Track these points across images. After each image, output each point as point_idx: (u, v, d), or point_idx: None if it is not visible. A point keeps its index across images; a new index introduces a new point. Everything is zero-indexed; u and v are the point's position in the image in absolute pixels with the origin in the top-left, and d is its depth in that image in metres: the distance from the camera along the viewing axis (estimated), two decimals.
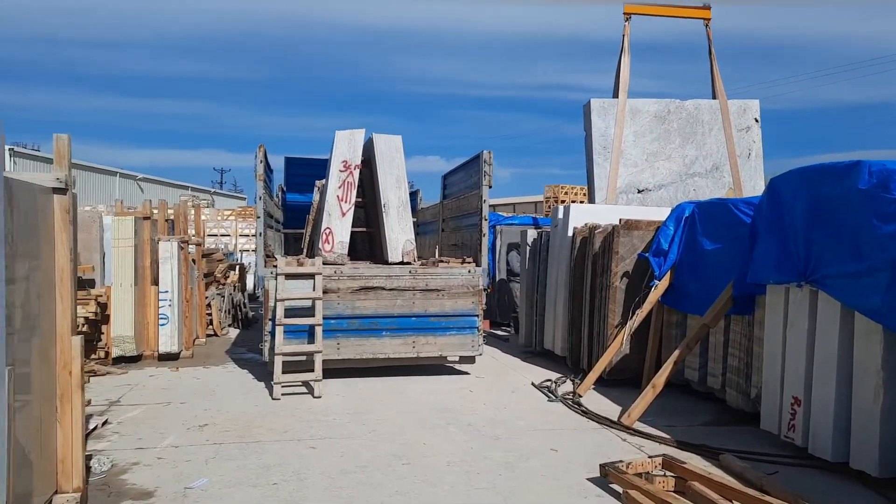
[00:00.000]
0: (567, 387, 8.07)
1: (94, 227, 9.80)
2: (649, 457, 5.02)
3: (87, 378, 8.29)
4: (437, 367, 8.85)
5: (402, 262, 9.24)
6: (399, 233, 9.35)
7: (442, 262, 8.71)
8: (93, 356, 9.54)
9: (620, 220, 8.32)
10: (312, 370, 7.67)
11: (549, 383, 8.13)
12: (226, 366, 9.46)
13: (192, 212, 11.54)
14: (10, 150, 36.81)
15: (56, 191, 4.23)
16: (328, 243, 9.13)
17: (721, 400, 6.98)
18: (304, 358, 7.90)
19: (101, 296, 9.40)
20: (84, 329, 9.07)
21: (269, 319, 7.98)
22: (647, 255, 7.86)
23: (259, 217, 8.15)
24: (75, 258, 4.78)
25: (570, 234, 9.19)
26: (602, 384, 7.91)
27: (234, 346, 11.23)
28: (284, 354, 7.66)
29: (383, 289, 8.29)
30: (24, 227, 3.83)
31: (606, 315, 8.13)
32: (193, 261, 11.44)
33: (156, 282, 9.92)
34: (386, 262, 9.34)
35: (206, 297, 12.43)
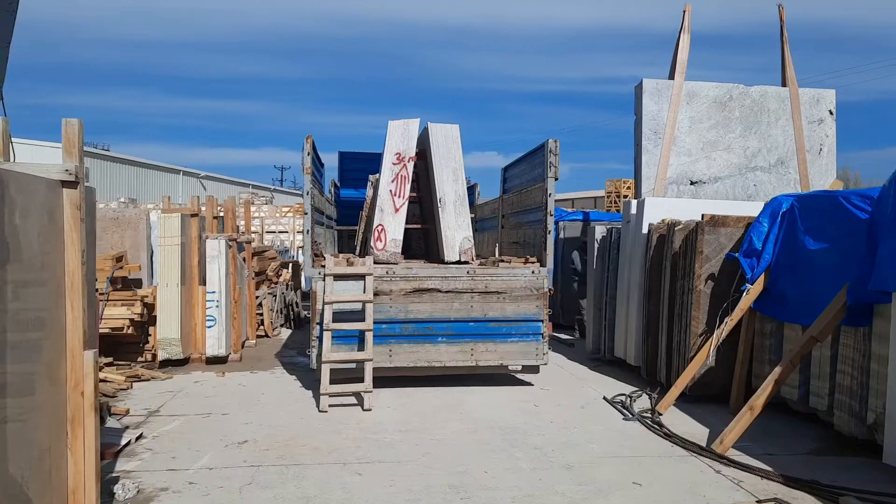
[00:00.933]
0: (643, 402, 7.23)
1: (140, 225, 9.45)
2: (758, 501, 4.19)
3: (130, 384, 7.92)
4: (497, 376, 8.12)
5: (459, 262, 8.56)
6: (456, 230, 8.66)
7: (502, 261, 7.98)
8: (139, 359, 9.22)
9: (703, 215, 7.43)
10: (362, 379, 7.07)
11: (622, 398, 7.31)
12: (273, 371, 8.97)
13: (243, 208, 11.15)
14: None
15: (65, 184, 3.70)
16: (380, 241, 8.51)
17: (827, 423, 6.04)
18: (354, 365, 7.31)
19: (147, 296, 9.04)
20: (129, 331, 8.74)
21: (317, 323, 7.42)
22: (736, 255, 6.95)
23: (307, 213, 7.59)
24: (92, 260, 4.26)
25: (644, 230, 8.32)
26: (684, 400, 7.04)
27: (285, 349, 10.77)
28: (332, 362, 7.07)
29: (439, 291, 7.62)
30: (23, 225, 3.30)
31: (689, 322, 7.25)
32: (243, 259, 11.03)
33: (203, 282, 9.52)
34: (442, 262, 8.68)
35: (258, 297, 12.03)
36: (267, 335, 11.95)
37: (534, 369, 7.96)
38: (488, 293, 7.66)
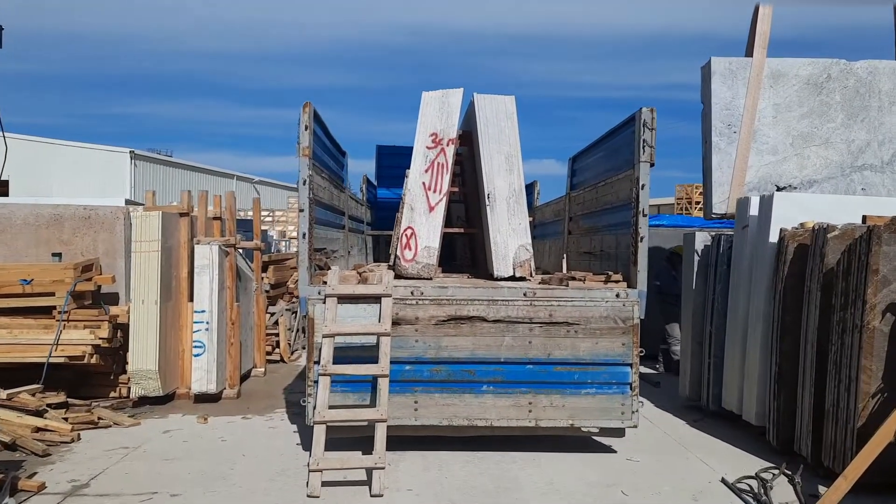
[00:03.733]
0: (784, 492, 4.90)
1: (117, 226, 7.60)
2: None
3: (77, 434, 6.02)
4: (566, 437, 5.90)
5: (513, 278, 6.41)
6: (509, 235, 6.50)
7: (573, 279, 5.76)
8: (112, 395, 7.38)
9: (866, 217, 5.09)
10: (372, 445, 4.96)
11: (753, 484, 4.98)
12: (271, 416, 6.96)
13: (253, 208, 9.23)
14: (130, 152, 37.27)
15: None
16: (409, 249, 6.43)
17: None
18: (365, 422, 5.21)
19: (119, 315, 7.19)
20: (93, 360, 6.89)
21: (315, 362, 5.36)
22: None
23: (302, 210, 5.53)
24: None
25: (773, 238, 5.98)
26: (851, 490, 4.67)
27: (298, 380, 8.77)
28: (329, 423, 4.99)
29: (484, 319, 5.46)
30: None
31: (855, 375, 4.89)
32: (251, 269, 9.12)
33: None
34: (491, 278, 6.54)
35: (272, 314, 10.12)
36: (282, 360, 10.01)
37: (617, 432, 5.70)
38: (553, 324, 5.45)
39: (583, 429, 5.62)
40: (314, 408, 5.14)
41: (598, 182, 6.99)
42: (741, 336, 6.43)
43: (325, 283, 5.47)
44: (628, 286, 5.60)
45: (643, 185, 5.51)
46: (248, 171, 48.00)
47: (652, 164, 5.54)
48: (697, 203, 29.48)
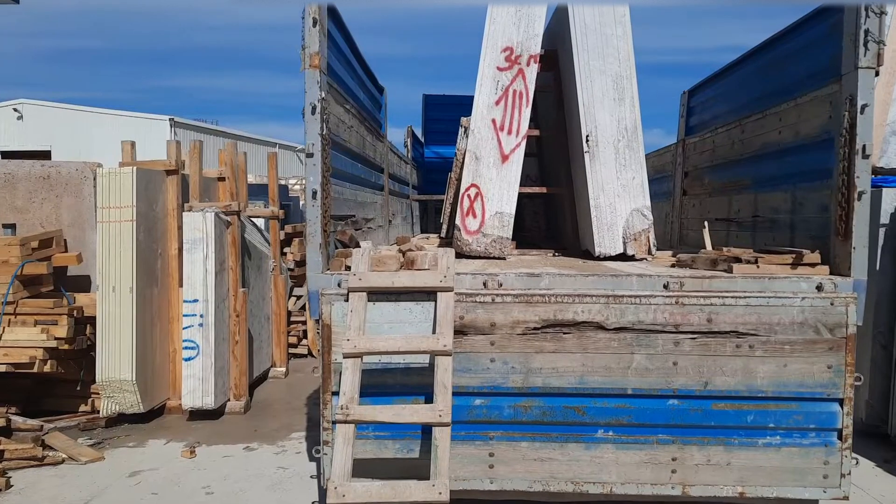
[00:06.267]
0: None
1: (85, 189, 5.79)
2: None
3: (6, 482, 4.24)
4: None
5: (622, 257, 4.39)
6: (617, 195, 4.48)
7: (738, 260, 3.64)
8: (82, 408, 5.66)
9: None
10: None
11: None
12: (284, 445, 5.10)
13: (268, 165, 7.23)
14: (170, 119, 36.02)
15: None
16: (473, 216, 4.44)
17: None
18: (416, 453, 3.27)
19: (82, 308, 5.40)
20: (46, 368, 5.13)
21: (333, 392, 3.43)
22: None
23: (310, 155, 3.52)
24: None
25: None
26: None
27: None
28: None
29: (601, 327, 3.41)
30: None
31: None
32: (267, 242, 7.25)
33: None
34: (589, 256, 4.54)
35: (298, 298, 8.26)
36: (311, 354, 8.17)
37: (809, 502, 3.62)
38: (714, 335, 3.38)
39: (759, 496, 3.56)
40: (331, 468, 3.21)
41: (748, 115, 4.79)
42: None
43: (347, 268, 3.51)
44: (831, 272, 3.48)
45: (864, 107, 3.35)
46: (294, 141, 46.33)
47: (877, 73, 3.38)
48: None
